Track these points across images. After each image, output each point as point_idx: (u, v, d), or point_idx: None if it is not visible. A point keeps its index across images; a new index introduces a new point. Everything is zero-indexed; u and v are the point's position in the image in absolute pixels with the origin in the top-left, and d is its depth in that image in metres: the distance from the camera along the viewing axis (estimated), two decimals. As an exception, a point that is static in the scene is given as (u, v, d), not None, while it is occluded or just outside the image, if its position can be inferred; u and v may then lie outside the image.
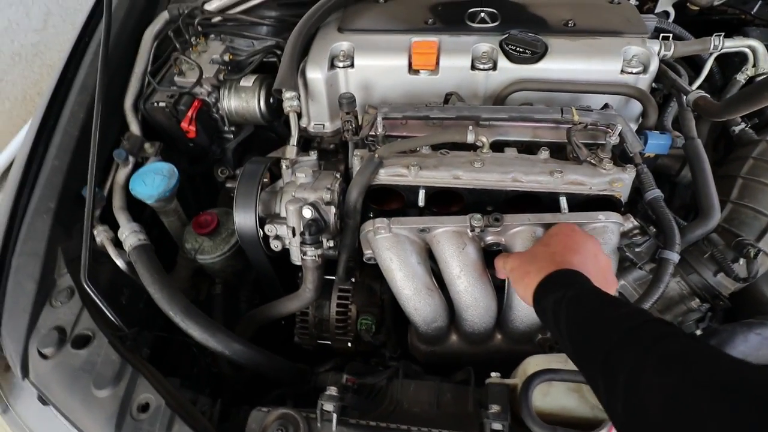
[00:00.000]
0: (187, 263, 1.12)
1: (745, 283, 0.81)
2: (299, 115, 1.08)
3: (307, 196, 0.93)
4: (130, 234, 0.91)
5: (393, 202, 1.01)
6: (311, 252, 0.90)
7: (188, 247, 1.05)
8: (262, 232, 0.96)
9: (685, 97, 0.96)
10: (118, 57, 1.10)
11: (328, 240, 0.97)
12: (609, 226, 0.86)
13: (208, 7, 1.23)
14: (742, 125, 0.97)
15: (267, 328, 1.12)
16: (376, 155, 0.91)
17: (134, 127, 1.06)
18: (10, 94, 2.72)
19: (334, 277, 1.06)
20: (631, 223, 0.87)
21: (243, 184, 0.94)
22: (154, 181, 0.97)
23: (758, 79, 1.02)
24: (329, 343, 1.14)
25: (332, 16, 1.16)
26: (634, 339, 0.50)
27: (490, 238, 0.90)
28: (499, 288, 0.95)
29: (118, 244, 0.94)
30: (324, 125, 1.15)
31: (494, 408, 0.75)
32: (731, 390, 0.40)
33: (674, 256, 0.80)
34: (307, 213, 0.88)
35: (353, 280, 1.12)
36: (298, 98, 1.05)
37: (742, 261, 0.80)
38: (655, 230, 0.86)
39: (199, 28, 1.17)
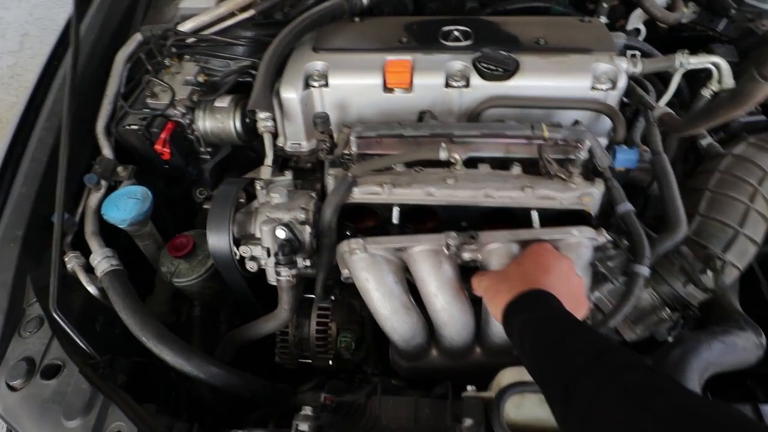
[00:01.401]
0: (164, 286, 1.10)
1: (713, 293, 0.83)
2: (275, 135, 1.08)
3: (281, 216, 0.93)
4: (101, 259, 0.90)
5: (370, 219, 1.01)
6: (285, 272, 0.89)
7: (164, 270, 1.04)
8: (237, 254, 0.95)
9: (651, 112, 0.98)
10: (89, 80, 1.10)
11: (304, 259, 0.97)
12: (583, 241, 0.87)
13: (182, 27, 1.23)
14: (709, 139, 1.00)
15: (251, 348, 1.12)
16: (349, 174, 0.91)
17: (107, 151, 1.05)
18: (-15, 117, 2.69)
19: (314, 296, 1.06)
20: (604, 237, 0.88)
21: (215, 206, 0.93)
22: (127, 204, 0.96)
23: (720, 96, 1.05)
24: (310, 361, 1.13)
25: (307, 35, 1.17)
26: (595, 368, 0.51)
27: (466, 255, 0.91)
28: (477, 302, 0.96)
29: (90, 270, 0.93)
30: (300, 144, 1.15)
31: (468, 422, 0.75)
32: (683, 424, 0.42)
33: (644, 270, 0.82)
34: (281, 233, 0.88)
35: (333, 298, 1.12)
36: (273, 119, 1.05)
37: (710, 272, 0.82)
38: (627, 243, 0.87)
39: (173, 50, 1.16)
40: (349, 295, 1.13)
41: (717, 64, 1.02)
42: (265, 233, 0.91)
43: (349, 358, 1.07)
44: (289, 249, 0.88)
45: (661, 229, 0.88)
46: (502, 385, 0.79)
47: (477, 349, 1.02)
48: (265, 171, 1.02)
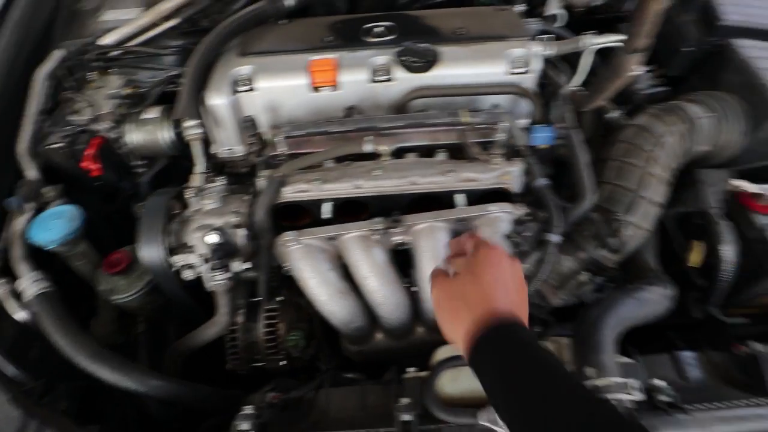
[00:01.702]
0: (106, 306, 1.09)
1: (620, 253, 0.89)
2: (205, 142, 1.08)
3: (213, 221, 0.94)
4: (29, 284, 0.88)
5: (306, 217, 1.03)
6: (219, 277, 0.90)
7: (102, 288, 1.02)
8: (172, 264, 0.95)
9: (561, 91, 1.04)
10: (7, 101, 1.07)
11: (243, 262, 0.98)
12: (501, 215, 0.92)
13: (105, 40, 1.21)
14: (615, 113, 1.07)
15: (207, 357, 1.12)
16: (277, 174, 0.93)
17: (30, 173, 1.02)
18: None
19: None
20: (521, 211, 0.93)
21: (145, 218, 0.93)
22: (54, 225, 0.94)
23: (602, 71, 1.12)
24: (263, 365, 1.14)
25: (234, 40, 1.18)
26: None
27: (396, 239, 0.95)
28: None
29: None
30: (234, 150, 1.15)
31: (404, 401, 0.78)
32: None
33: (555, 238, 0.87)
34: (212, 238, 0.89)
35: (280, 298, 1.13)
36: (202, 126, 1.05)
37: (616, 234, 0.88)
38: (544, 215, 0.93)
39: (96, 64, 1.15)
40: (296, 295, 1.14)
41: (621, 41, 1.09)
42: (197, 240, 0.91)
43: (299, 356, 1.08)
44: (222, 253, 0.89)
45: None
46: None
47: (418, 328, 1.06)
48: (196, 178, 1.02)
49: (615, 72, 0.78)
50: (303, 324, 1.13)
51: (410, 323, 1.04)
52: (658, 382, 0.80)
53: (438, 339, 1.03)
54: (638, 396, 0.75)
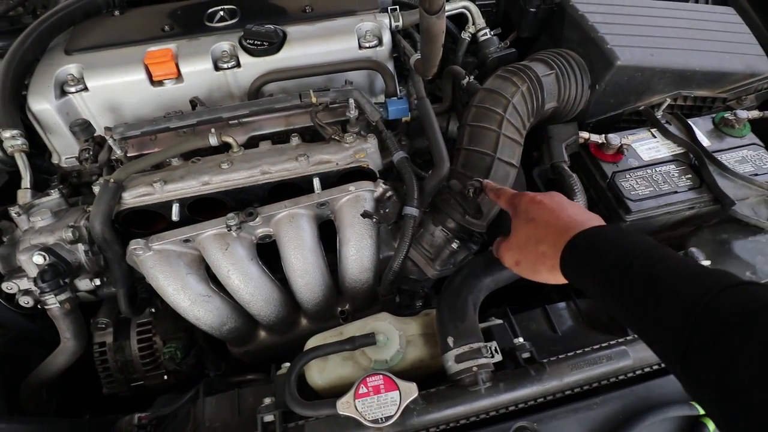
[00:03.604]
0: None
1: (483, 218, 0.90)
2: (29, 153, 0.97)
3: (45, 240, 0.84)
4: None
5: (162, 222, 0.96)
6: (52, 300, 0.81)
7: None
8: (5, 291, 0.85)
9: (410, 61, 1.03)
10: None
11: (91, 279, 0.89)
12: (361, 194, 0.90)
13: None
14: (467, 78, 1.08)
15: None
16: (111, 180, 0.85)
17: None
18: None
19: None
20: (381, 187, 0.92)
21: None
22: None
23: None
24: (143, 383, 1.06)
25: (59, 38, 1.06)
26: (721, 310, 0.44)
27: (259, 231, 0.90)
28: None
29: None
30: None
31: (267, 401, 0.75)
32: None
33: (413, 211, 0.86)
34: (39, 259, 0.80)
35: (153, 310, 1.06)
36: (22, 135, 0.94)
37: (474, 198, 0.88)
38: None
39: None
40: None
41: (467, 7, 1.10)
42: (24, 262, 0.82)
43: (177, 369, 1.02)
44: (52, 274, 0.80)
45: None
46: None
47: (302, 320, 1.03)
48: (23, 195, 0.91)
49: (425, 37, 0.77)
50: (180, 333, 1.06)
51: (291, 316, 1.00)
52: (519, 341, 0.82)
53: (326, 327, 1.02)
54: (497, 358, 0.76)
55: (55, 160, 1.05)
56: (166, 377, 1.06)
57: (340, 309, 1.01)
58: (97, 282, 0.90)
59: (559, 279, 0.66)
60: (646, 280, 0.52)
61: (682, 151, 1.08)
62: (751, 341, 0.41)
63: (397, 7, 1.09)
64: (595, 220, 0.67)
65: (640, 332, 0.55)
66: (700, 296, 0.46)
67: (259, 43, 1.02)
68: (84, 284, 0.90)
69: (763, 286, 0.47)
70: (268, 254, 0.95)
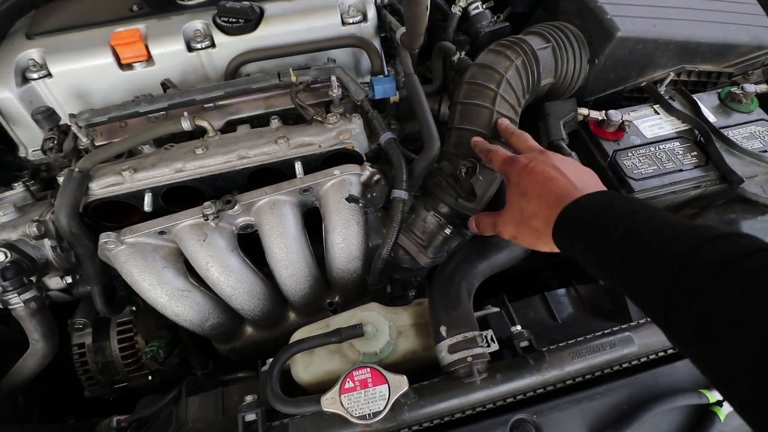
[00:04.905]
0: None
1: (477, 201, 0.85)
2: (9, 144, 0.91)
3: (7, 236, 0.79)
4: None
5: (136, 214, 0.91)
6: (16, 299, 0.76)
7: None
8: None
9: (396, 36, 0.97)
10: None
11: (62, 277, 0.84)
12: (346, 178, 0.84)
13: None
14: (459, 54, 1.01)
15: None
16: (75, 170, 0.79)
17: None
18: None
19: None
20: (368, 170, 0.86)
21: None
22: None
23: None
24: (126, 384, 1.02)
25: (20, 22, 1.00)
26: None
27: (239, 221, 0.85)
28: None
29: None
30: (45, 149, 0.99)
31: (249, 398, 0.70)
32: None
33: (402, 194, 0.81)
34: (-1, 256, 0.74)
35: (133, 308, 1.01)
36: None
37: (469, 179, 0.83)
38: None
39: None
40: (151, 301, 1.02)
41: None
42: (-15, 260, 0.76)
43: (160, 368, 0.97)
44: (15, 272, 0.75)
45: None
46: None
47: (290, 314, 0.98)
48: (-16, 188, 0.86)
49: (408, 3, 0.71)
50: (164, 332, 1.01)
51: (277, 310, 0.95)
52: (516, 329, 0.77)
53: (315, 320, 0.97)
54: (494, 347, 0.72)
55: (22, 153, 1.00)
56: (150, 378, 1.01)
57: (328, 301, 0.96)
58: (69, 280, 0.85)
59: (551, 247, 0.66)
60: (629, 244, 0.52)
61: (686, 127, 1.02)
62: (728, 288, 0.41)
63: (382, -21, 1.02)
64: (590, 183, 0.65)
65: (632, 297, 0.54)
66: (680, 250, 0.46)
67: (234, 20, 0.95)
68: (54, 282, 0.85)
69: (745, 236, 0.46)
70: (255, 247, 0.90)
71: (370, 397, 0.64)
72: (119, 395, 1.05)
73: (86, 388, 1.01)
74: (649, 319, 0.80)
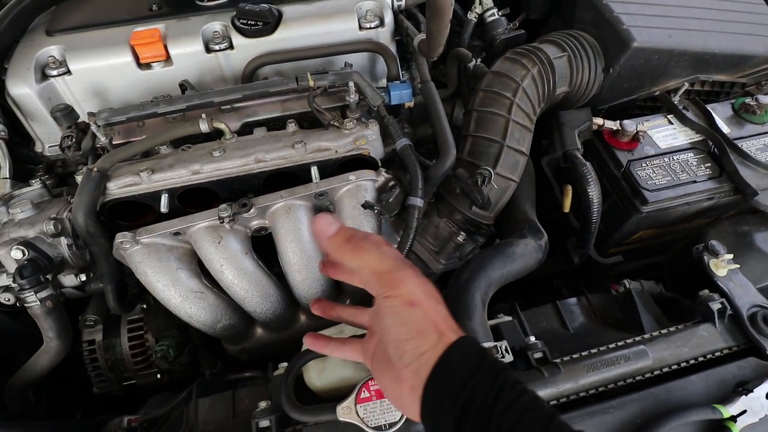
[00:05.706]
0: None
1: (491, 209, 0.85)
2: (7, 141, 0.92)
3: (25, 233, 0.79)
4: None
5: (150, 214, 0.91)
6: (32, 298, 0.76)
7: None
8: (-17, 289, 0.80)
9: (414, 43, 0.97)
10: None
11: (77, 275, 0.84)
12: (362, 184, 0.84)
13: None
14: (474, 61, 1.02)
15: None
16: (94, 169, 0.79)
17: None
18: None
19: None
20: (383, 176, 0.86)
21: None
22: None
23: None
24: (135, 382, 1.02)
25: (40, 18, 1.00)
26: None
27: (254, 224, 0.85)
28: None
29: None
30: (62, 146, 0.99)
31: (262, 404, 0.70)
32: None
33: (418, 201, 0.81)
34: (17, 254, 0.75)
35: (144, 306, 1.01)
36: (1, 122, 0.89)
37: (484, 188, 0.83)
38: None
39: None
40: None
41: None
42: (2, 257, 0.77)
43: (169, 367, 0.97)
44: (32, 270, 0.75)
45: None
46: (306, 355, 0.75)
47: (301, 316, 0.98)
48: (1, 185, 0.87)
49: (432, 12, 0.71)
50: (173, 331, 1.01)
51: (289, 312, 0.95)
52: (530, 339, 0.77)
53: (326, 323, 0.97)
54: (508, 358, 0.72)
55: (38, 148, 1.00)
56: (159, 376, 1.02)
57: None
58: (83, 277, 0.85)
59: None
60: None
61: (700, 138, 1.02)
62: None
63: (402, -15, 1.02)
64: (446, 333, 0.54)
65: None
66: None
67: (253, 23, 0.95)
68: (69, 280, 0.85)
69: None
70: (266, 248, 0.90)
71: (386, 407, 0.64)
72: (127, 392, 1.05)
73: (95, 385, 1.02)
74: (663, 332, 0.80)
